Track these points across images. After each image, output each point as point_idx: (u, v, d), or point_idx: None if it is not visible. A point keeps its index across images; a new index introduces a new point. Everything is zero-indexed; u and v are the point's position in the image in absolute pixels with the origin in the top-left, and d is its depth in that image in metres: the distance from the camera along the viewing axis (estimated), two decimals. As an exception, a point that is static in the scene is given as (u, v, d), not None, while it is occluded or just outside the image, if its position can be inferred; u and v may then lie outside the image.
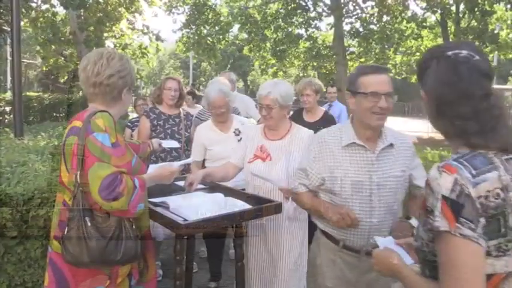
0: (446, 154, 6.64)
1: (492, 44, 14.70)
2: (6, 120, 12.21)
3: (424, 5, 15.30)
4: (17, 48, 5.05)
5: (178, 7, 17.95)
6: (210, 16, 17.91)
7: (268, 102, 2.51)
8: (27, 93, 16.23)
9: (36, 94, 16.09)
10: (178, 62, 49.57)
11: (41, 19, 14.59)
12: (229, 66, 36.93)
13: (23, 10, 12.73)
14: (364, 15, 16.70)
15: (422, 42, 18.06)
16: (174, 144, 3.17)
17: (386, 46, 17.52)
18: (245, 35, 18.74)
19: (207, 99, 3.08)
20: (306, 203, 2.13)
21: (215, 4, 18.15)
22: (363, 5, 16.54)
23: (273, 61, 18.50)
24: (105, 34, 14.93)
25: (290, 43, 17.44)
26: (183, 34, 18.29)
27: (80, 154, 1.71)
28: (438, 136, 1.52)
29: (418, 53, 18.14)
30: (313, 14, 17.19)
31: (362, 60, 18.07)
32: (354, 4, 16.36)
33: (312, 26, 17.31)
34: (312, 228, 2.29)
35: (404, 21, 16.71)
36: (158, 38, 17.04)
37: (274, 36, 17.60)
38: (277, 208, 2.28)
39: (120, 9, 15.93)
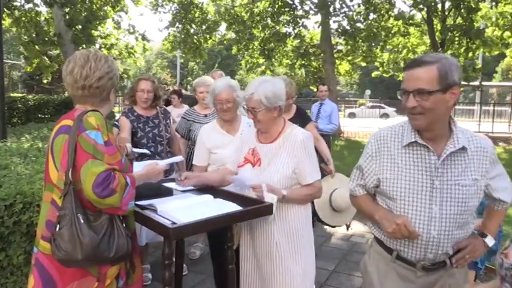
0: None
1: (477, 39, 14.84)
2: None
3: (410, 2, 15.40)
4: (-1, 49, 4.93)
5: (165, 5, 17.84)
6: (196, 15, 17.83)
7: (252, 104, 2.31)
8: (12, 95, 15.95)
9: (21, 95, 15.81)
10: (166, 62, 49.39)
11: (23, 18, 14.30)
12: (216, 65, 36.78)
13: (5, 9, 12.46)
14: (351, 13, 16.79)
15: (409, 40, 18.21)
16: (144, 151, 3.14)
17: (373, 44, 17.63)
18: (233, 35, 18.67)
19: (213, 93, 2.90)
20: (362, 207, 1.93)
21: (201, 2, 18.08)
22: (349, 3, 16.69)
23: (261, 60, 18.46)
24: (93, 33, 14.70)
25: (278, 41, 17.43)
26: (169, 33, 18.18)
27: (72, 152, 1.70)
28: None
29: (405, 51, 18.27)
30: (300, 12, 17.22)
31: (349, 58, 18.16)
32: (341, 2, 16.47)
33: (299, 24, 17.34)
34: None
35: (391, 19, 16.83)
36: (144, 38, 16.87)
37: (262, 35, 17.58)
38: (268, 209, 2.20)
39: (105, 8, 15.70)
